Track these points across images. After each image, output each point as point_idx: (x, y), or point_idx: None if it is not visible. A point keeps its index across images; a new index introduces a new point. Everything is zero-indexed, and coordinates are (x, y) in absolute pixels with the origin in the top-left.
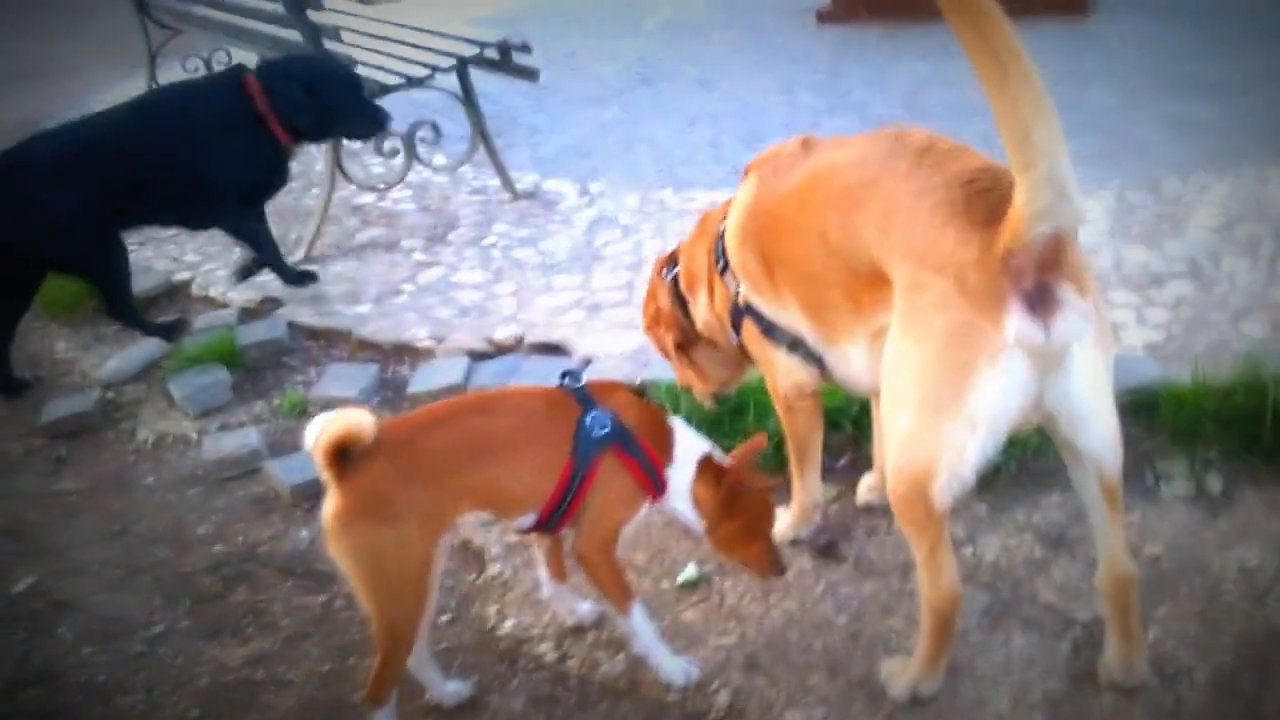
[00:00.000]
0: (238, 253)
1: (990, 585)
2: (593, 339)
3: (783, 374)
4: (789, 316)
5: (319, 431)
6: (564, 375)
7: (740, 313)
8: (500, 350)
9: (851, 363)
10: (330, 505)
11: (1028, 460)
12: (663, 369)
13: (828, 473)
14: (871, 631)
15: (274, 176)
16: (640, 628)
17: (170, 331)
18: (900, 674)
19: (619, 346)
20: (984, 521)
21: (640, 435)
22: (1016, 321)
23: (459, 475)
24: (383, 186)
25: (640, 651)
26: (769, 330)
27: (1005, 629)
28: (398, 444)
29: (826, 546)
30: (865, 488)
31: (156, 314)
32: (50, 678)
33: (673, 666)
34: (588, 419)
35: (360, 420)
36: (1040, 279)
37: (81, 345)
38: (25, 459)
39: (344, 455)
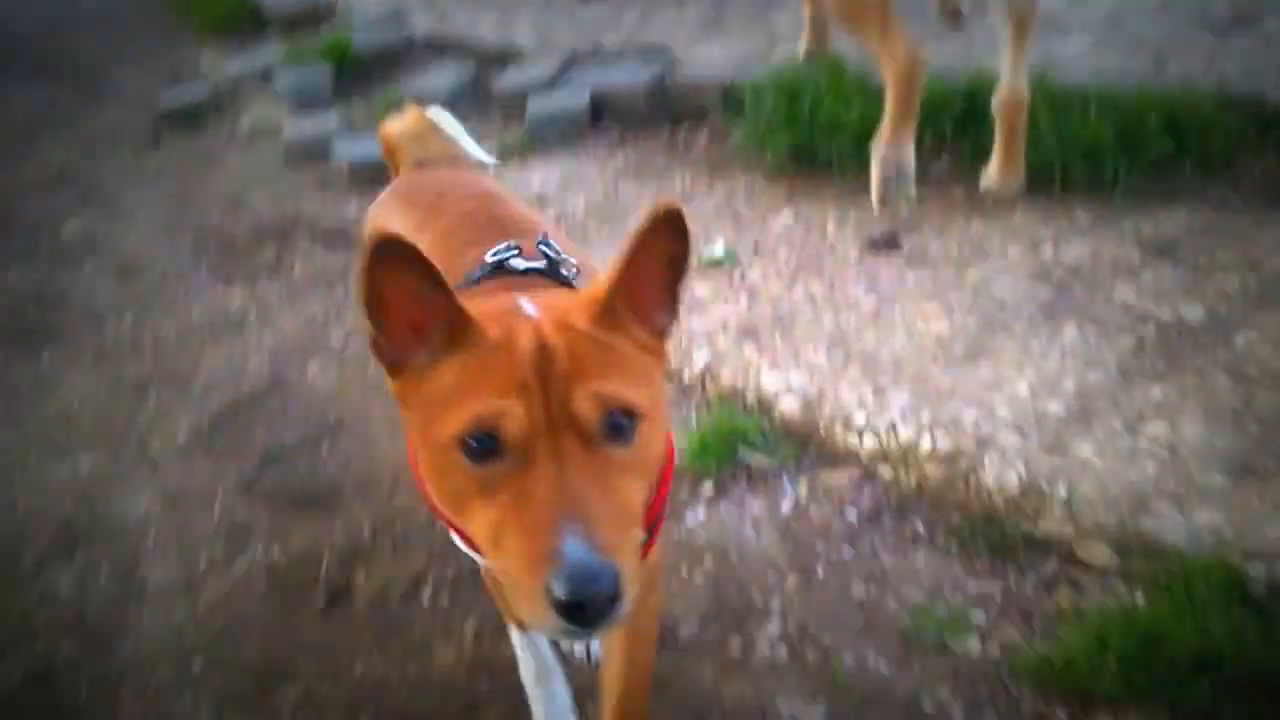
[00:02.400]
0: None
1: (1060, 283)
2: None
3: None
4: None
5: (391, 121)
6: None
7: None
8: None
9: None
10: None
11: (1153, 171)
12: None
13: (919, 179)
14: (899, 313)
15: None
16: None
17: None
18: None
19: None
20: (1080, 228)
21: None
22: None
23: None
24: None
25: None
26: None
27: (1058, 323)
28: None
29: (883, 239)
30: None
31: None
32: (58, 300)
33: None
34: None
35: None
36: None
37: (220, 52)
38: (128, 135)
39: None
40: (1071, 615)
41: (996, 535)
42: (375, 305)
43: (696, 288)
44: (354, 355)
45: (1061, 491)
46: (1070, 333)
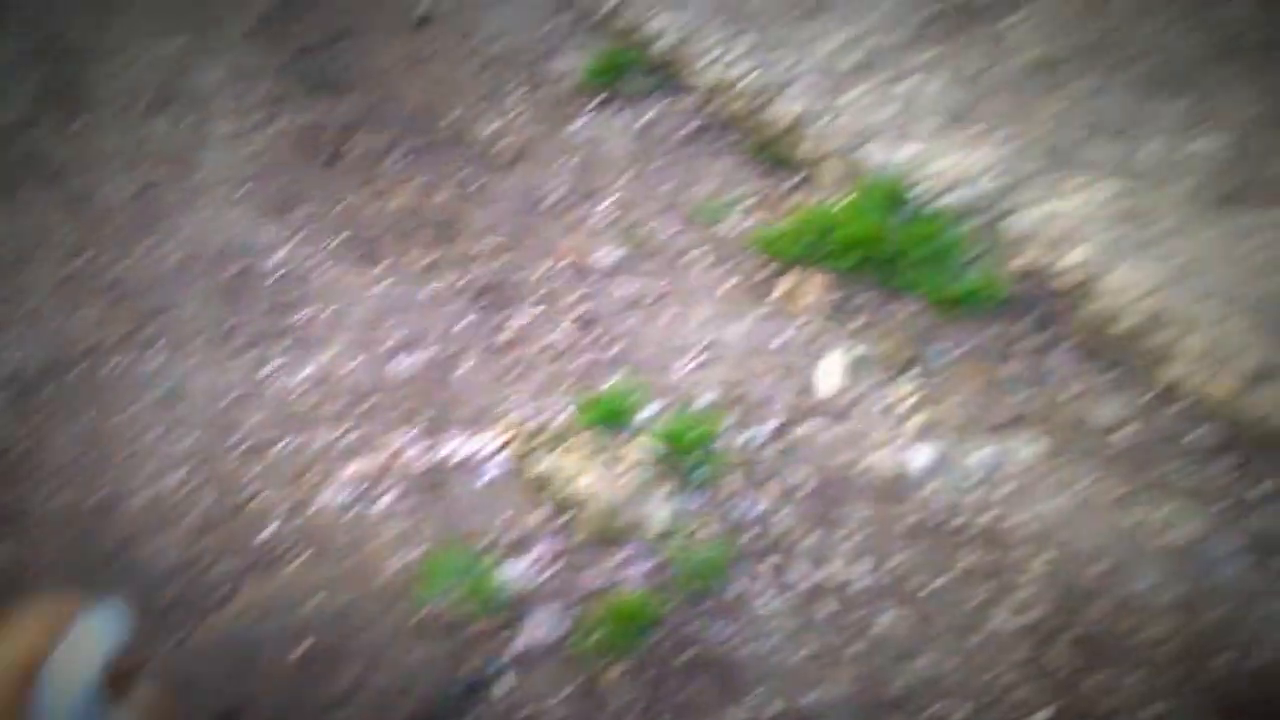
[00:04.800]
0: None
1: None
2: None
3: None
4: None
5: None
6: None
7: None
8: None
9: None
10: None
11: None
12: None
13: None
14: None
15: None
16: None
17: None
18: None
19: None
20: None
21: None
22: None
23: None
24: None
25: None
26: None
27: None
28: None
29: None
30: None
31: None
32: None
33: None
34: None
35: None
36: None
37: None
38: None
39: None
40: (797, 209)
41: (775, 153)
42: None
43: None
44: None
45: (821, 123)
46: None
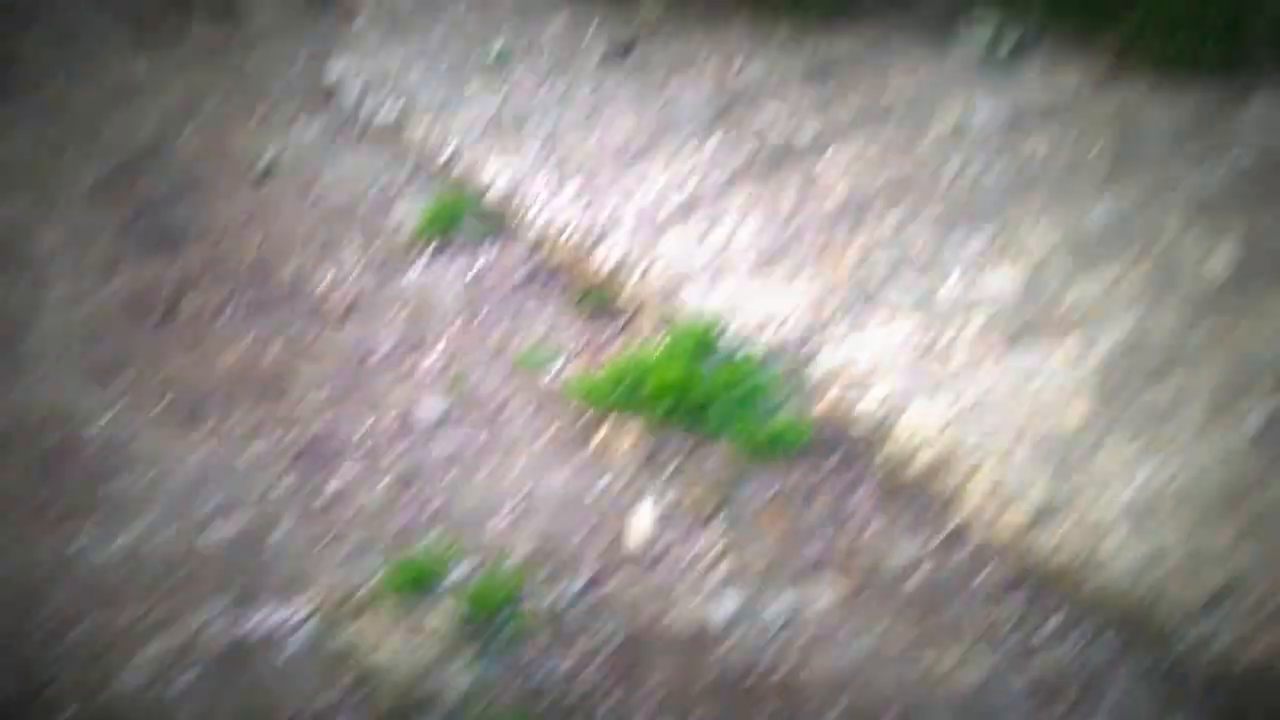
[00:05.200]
0: None
1: (732, 96)
2: None
3: None
4: None
5: None
6: None
7: None
8: None
9: None
10: None
11: None
12: None
13: None
14: (605, 115)
15: None
16: None
17: None
18: None
19: None
20: (772, 46)
21: None
22: None
23: None
24: None
25: None
26: None
27: (712, 131)
28: None
29: (621, 47)
30: None
31: None
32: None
33: None
34: None
35: None
36: None
37: None
38: None
39: None
40: (616, 356)
41: (598, 299)
42: None
43: (469, 85)
44: (215, 116)
45: (641, 268)
46: (714, 141)
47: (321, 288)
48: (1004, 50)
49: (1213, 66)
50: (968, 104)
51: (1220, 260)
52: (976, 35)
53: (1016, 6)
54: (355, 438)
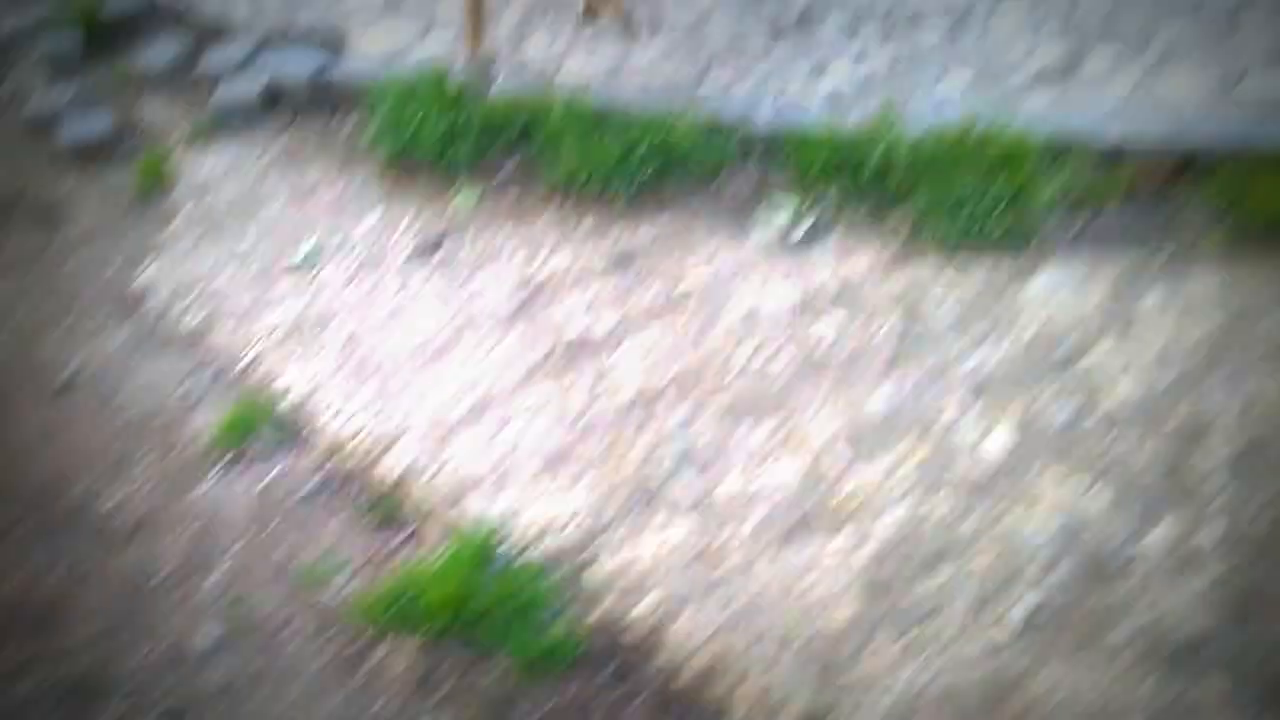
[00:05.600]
0: None
1: (534, 290)
2: None
3: None
4: None
5: None
6: None
7: None
8: None
9: None
10: None
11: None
12: None
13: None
14: (409, 314)
15: None
16: None
17: None
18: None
19: None
20: (577, 237)
21: None
22: None
23: None
24: None
25: None
26: None
27: (511, 327)
28: None
29: (430, 243)
30: None
31: None
32: None
33: None
34: None
35: None
36: None
37: None
38: None
39: None
40: (398, 569)
41: (385, 510)
42: None
43: (276, 287)
44: (24, 326)
45: (426, 476)
46: (513, 337)
47: (110, 506)
48: (799, 235)
49: (998, 243)
50: (761, 290)
51: (996, 443)
52: (774, 220)
53: (813, 191)
54: (125, 671)
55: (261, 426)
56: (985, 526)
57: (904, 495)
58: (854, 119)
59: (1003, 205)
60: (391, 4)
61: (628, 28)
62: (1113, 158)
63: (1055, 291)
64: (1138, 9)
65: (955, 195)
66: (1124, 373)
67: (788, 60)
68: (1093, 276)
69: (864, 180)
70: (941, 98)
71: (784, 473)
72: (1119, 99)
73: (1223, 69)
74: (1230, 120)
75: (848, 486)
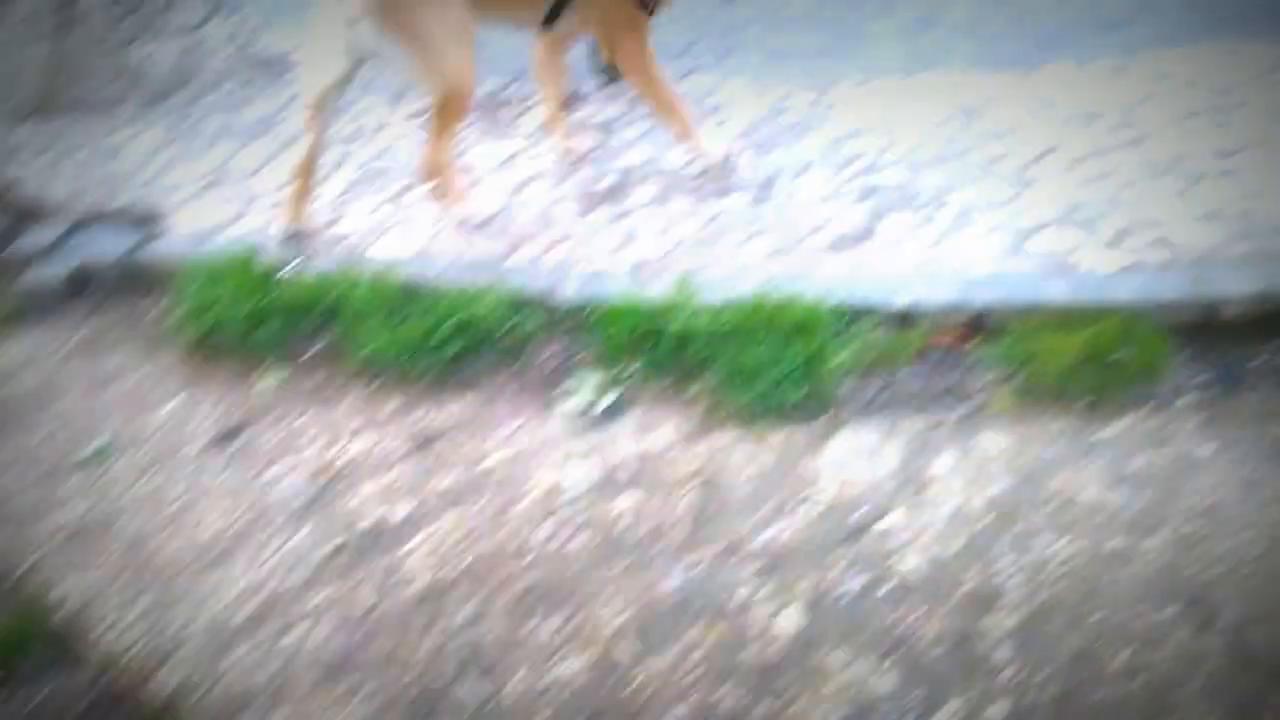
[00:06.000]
0: None
1: (329, 479)
2: None
3: None
4: None
5: None
6: None
7: None
8: None
9: None
10: None
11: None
12: None
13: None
14: (199, 509)
15: None
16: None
17: None
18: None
19: None
20: (380, 419)
21: None
22: None
23: None
24: None
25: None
26: None
27: (302, 522)
28: None
29: (229, 430)
30: None
31: None
32: None
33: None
34: None
35: None
36: None
37: None
38: None
39: None
40: None
41: None
42: None
43: (61, 488)
44: None
45: (199, 694)
46: (304, 533)
47: None
48: (602, 409)
49: (794, 411)
50: (562, 468)
51: (787, 622)
52: (578, 395)
53: (617, 364)
54: None
55: (33, 643)
56: (774, 713)
57: (694, 685)
58: (659, 289)
59: (797, 373)
60: (214, 181)
61: (451, 195)
62: (905, 321)
63: (849, 459)
64: (935, 173)
65: (752, 364)
66: (915, 540)
67: (598, 229)
68: (886, 441)
69: (665, 351)
70: (743, 264)
71: (572, 668)
72: (912, 262)
73: (1014, 228)
74: (1019, 279)
75: (639, 679)
